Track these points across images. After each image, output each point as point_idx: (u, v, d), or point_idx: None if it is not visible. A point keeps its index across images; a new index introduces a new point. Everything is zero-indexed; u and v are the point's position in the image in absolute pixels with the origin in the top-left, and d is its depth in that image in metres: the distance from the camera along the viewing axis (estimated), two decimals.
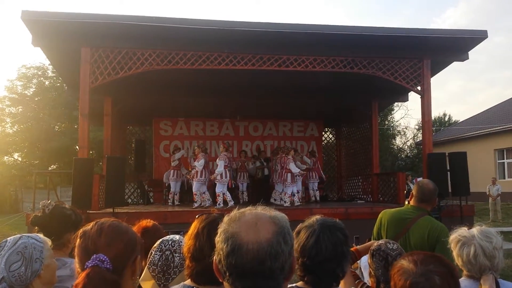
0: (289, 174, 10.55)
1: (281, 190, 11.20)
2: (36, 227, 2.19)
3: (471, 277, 2.07)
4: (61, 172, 20.66)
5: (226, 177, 10.22)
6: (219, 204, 9.98)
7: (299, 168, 10.95)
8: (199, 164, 10.16)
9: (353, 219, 9.07)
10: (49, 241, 1.74)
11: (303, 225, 1.77)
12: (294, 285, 1.70)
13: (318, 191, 12.80)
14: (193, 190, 10.54)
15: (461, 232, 2.11)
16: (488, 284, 1.97)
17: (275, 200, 11.68)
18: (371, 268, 2.31)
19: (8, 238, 1.67)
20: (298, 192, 11.19)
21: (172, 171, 12.23)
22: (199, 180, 10.39)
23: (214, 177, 10.18)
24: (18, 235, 1.69)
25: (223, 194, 10.16)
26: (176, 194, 12.02)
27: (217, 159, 10.32)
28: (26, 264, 1.59)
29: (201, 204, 10.33)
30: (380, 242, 2.38)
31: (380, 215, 3.33)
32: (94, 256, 1.30)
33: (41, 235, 1.74)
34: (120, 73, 9.01)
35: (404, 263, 1.51)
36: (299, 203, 10.72)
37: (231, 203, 10.02)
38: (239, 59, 9.32)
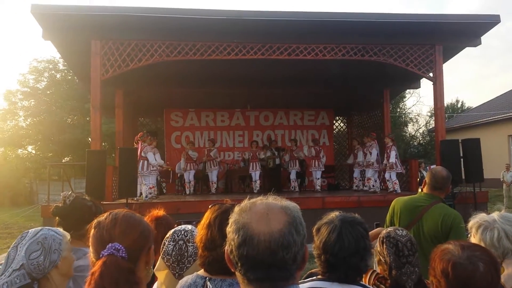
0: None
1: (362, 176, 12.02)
2: (57, 218, 2.24)
3: None
4: (75, 164, 20.88)
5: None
6: (148, 195, 10.03)
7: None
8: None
9: (365, 207, 9.06)
10: (68, 235, 1.81)
11: (323, 221, 1.77)
12: (316, 281, 1.69)
13: (319, 180, 12.75)
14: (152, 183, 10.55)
15: (481, 217, 2.10)
16: None
17: (357, 187, 12.29)
18: (380, 256, 2.30)
19: (30, 230, 1.75)
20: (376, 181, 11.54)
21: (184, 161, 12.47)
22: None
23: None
24: (39, 227, 1.76)
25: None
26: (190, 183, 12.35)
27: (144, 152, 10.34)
28: (45, 254, 1.66)
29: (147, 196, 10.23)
30: (388, 229, 2.36)
31: (393, 203, 3.31)
32: (110, 245, 1.31)
33: (61, 229, 1.80)
34: (130, 65, 9.05)
35: (450, 246, 1.51)
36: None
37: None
38: (248, 49, 9.29)
